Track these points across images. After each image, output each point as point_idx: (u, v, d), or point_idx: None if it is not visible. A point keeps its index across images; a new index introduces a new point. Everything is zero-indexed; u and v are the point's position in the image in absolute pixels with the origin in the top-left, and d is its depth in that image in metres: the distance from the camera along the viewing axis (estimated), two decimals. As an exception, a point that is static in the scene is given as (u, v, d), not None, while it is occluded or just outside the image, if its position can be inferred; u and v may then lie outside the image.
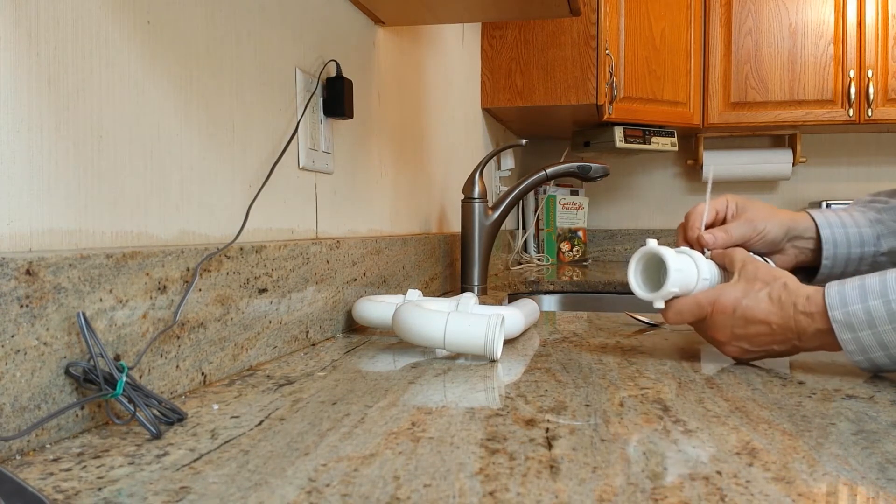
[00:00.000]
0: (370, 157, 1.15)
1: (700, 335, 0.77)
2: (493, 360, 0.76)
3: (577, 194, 2.65)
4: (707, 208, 0.84)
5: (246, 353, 0.71)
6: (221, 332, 0.66)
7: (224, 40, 0.72)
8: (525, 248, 2.58)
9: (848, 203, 2.55)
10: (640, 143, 2.36)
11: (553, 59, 2.06)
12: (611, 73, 2.14)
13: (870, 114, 2.39)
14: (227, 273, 0.67)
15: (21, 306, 0.44)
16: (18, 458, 0.44)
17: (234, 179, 0.74)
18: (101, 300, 0.51)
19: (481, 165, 1.44)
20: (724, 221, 0.87)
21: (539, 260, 2.51)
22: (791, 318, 0.68)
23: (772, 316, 0.69)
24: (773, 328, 0.69)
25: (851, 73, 2.39)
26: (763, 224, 0.84)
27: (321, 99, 0.95)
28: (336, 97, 0.96)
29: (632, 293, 0.76)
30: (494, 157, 2.15)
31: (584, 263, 2.55)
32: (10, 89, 0.47)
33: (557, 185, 2.59)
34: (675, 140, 2.45)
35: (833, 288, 0.66)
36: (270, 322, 0.75)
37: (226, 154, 0.73)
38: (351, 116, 0.98)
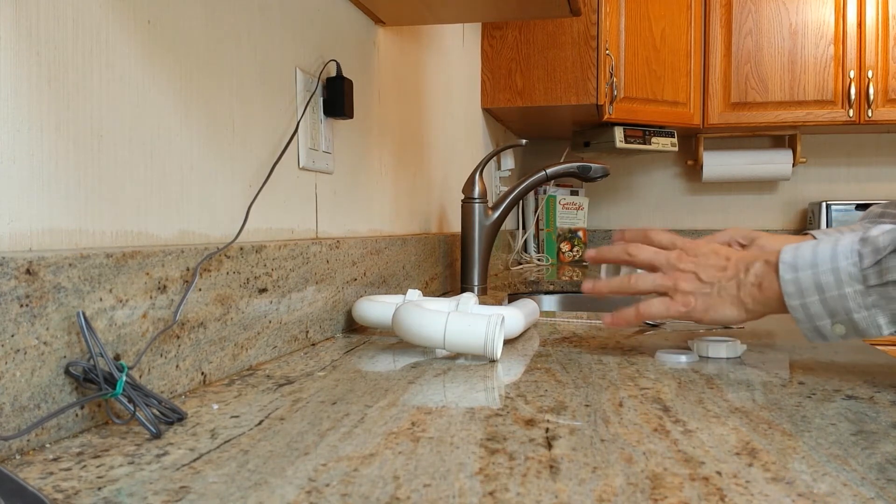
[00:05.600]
0: (370, 157, 1.15)
1: (656, 269, 0.76)
2: (493, 360, 0.76)
3: (577, 194, 2.65)
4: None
5: (246, 353, 0.71)
6: (221, 331, 0.66)
7: (224, 40, 0.72)
8: (525, 248, 2.58)
9: (848, 203, 2.55)
10: (640, 143, 2.37)
11: (553, 59, 2.06)
12: (611, 74, 2.14)
13: (870, 114, 2.39)
14: (227, 273, 0.67)
15: (21, 306, 0.44)
16: (18, 457, 0.44)
17: (234, 179, 0.74)
18: (101, 300, 0.51)
19: (481, 165, 1.44)
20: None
21: (539, 260, 2.51)
22: (747, 256, 0.71)
23: (733, 254, 0.72)
24: (728, 260, 0.71)
25: (851, 74, 2.39)
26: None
27: (321, 99, 0.95)
28: (336, 97, 0.96)
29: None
30: (494, 157, 2.15)
31: (584, 263, 2.55)
32: (11, 89, 0.47)
33: (557, 185, 2.59)
34: (675, 140, 2.45)
35: (790, 244, 0.68)
36: (270, 322, 0.75)
37: (226, 154, 0.73)
38: (351, 116, 0.98)
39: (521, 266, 2.33)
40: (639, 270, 0.83)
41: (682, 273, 0.73)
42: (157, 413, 0.51)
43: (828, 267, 0.63)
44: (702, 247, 0.74)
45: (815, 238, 0.93)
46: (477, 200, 1.43)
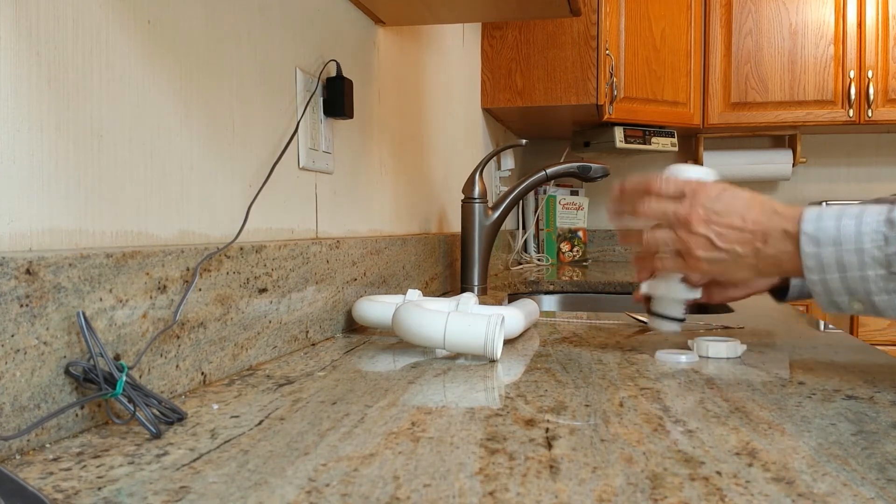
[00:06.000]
0: (370, 157, 1.15)
1: (665, 224, 0.72)
2: (493, 360, 0.76)
3: (577, 194, 2.65)
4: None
5: (246, 353, 0.71)
6: (221, 331, 0.66)
7: (224, 40, 0.72)
8: (525, 248, 2.58)
9: (848, 203, 2.55)
10: (640, 143, 2.37)
11: (553, 59, 2.06)
12: (611, 74, 2.14)
13: (870, 114, 2.39)
14: (227, 273, 0.67)
15: (21, 306, 0.44)
16: (18, 457, 0.44)
17: (234, 179, 0.74)
18: (101, 300, 0.51)
19: (481, 165, 1.44)
20: None
21: (539, 260, 2.51)
22: (766, 215, 0.67)
23: (750, 211, 0.68)
24: (745, 222, 0.67)
25: (851, 74, 2.39)
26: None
27: (321, 99, 0.95)
28: (336, 97, 0.96)
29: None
30: (494, 157, 2.15)
31: (584, 263, 2.55)
32: (11, 88, 0.47)
33: (557, 185, 2.59)
34: (675, 140, 2.45)
35: (813, 207, 0.66)
36: (270, 322, 0.75)
37: (226, 154, 0.73)
38: (351, 116, 0.98)
39: (521, 266, 2.33)
40: None
41: (696, 237, 0.69)
42: (157, 413, 0.51)
43: (851, 247, 0.62)
44: (713, 198, 0.69)
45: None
46: (477, 200, 1.43)
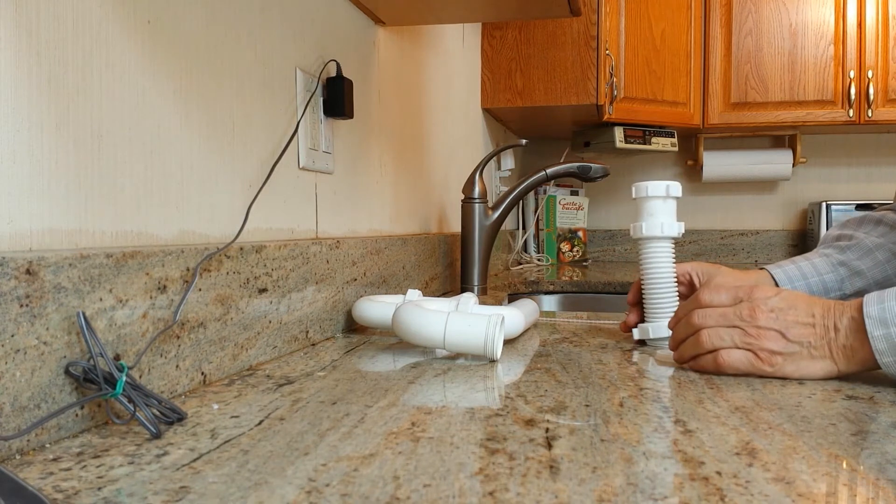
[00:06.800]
0: (370, 157, 1.15)
1: (726, 325, 0.70)
2: (493, 360, 0.76)
3: (577, 194, 2.65)
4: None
5: (246, 353, 0.71)
6: (221, 331, 0.66)
7: (224, 40, 0.72)
8: (525, 248, 2.58)
9: (848, 203, 2.55)
10: (640, 143, 2.36)
11: (553, 60, 2.06)
12: (611, 74, 2.14)
13: (870, 114, 2.39)
14: (227, 273, 0.67)
15: (21, 306, 0.44)
16: (18, 457, 0.44)
17: (234, 179, 0.74)
18: (101, 300, 0.51)
19: (481, 165, 1.44)
20: (692, 289, 0.95)
21: (539, 260, 2.51)
22: (829, 308, 0.66)
23: (814, 307, 0.66)
24: (813, 317, 0.66)
25: (851, 74, 2.39)
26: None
27: (321, 99, 0.95)
28: (336, 97, 0.96)
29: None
30: (494, 157, 2.15)
31: (584, 264, 2.55)
32: (11, 88, 0.47)
33: (557, 186, 2.59)
34: (675, 140, 2.45)
35: (872, 293, 0.65)
36: (270, 322, 0.75)
37: (226, 154, 0.73)
38: (351, 116, 0.98)
39: (521, 266, 2.33)
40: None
41: (765, 331, 0.67)
42: (157, 413, 0.51)
43: None
44: (772, 297, 0.68)
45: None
46: (477, 200, 1.43)
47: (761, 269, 1.01)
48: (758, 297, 0.68)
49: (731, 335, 0.69)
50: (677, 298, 0.86)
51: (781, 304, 0.67)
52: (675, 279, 0.87)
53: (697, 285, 0.95)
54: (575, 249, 2.61)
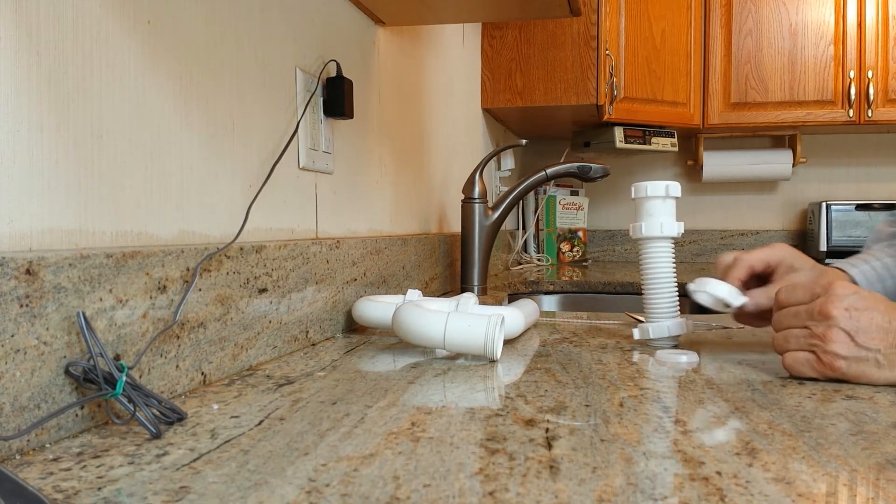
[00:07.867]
0: (370, 157, 1.15)
1: (799, 324, 0.67)
2: (493, 360, 0.76)
3: (577, 194, 2.65)
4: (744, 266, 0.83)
5: (246, 353, 0.71)
6: (221, 331, 0.66)
7: (224, 40, 0.72)
8: (525, 248, 2.58)
9: (848, 203, 2.55)
10: (640, 143, 2.36)
11: (553, 60, 2.06)
12: (611, 74, 2.14)
13: (870, 114, 2.39)
14: (227, 273, 0.67)
15: (21, 306, 0.44)
16: (18, 457, 0.44)
17: (234, 179, 0.74)
18: (101, 300, 0.51)
19: (481, 165, 1.44)
20: (771, 273, 0.84)
21: (539, 260, 2.51)
22: None
23: (892, 310, 0.63)
24: (891, 322, 0.62)
25: (851, 74, 2.39)
26: None
27: (321, 99, 0.95)
28: (336, 97, 0.96)
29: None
30: (494, 157, 2.15)
31: (584, 264, 2.55)
32: (11, 88, 0.47)
33: (557, 186, 2.59)
34: (675, 140, 2.45)
35: None
36: (270, 322, 0.75)
37: (226, 154, 0.73)
38: (351, 116, 0.98)
39: (521, 266, 2.33)
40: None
41: (835, 331, 0.64)
42: (157, 413, 0.51)
43: None
44: (851, 294, 0.64)
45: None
46: (477, 200, 1.43)
47: (837, 268, 0.92)
48: (835, 294, 0.65)
49: (797, 337, 0.66)
50: (677, 298, 0.86)
51: (859, 304, 0.64)
52: (676, 279, 0.87)
53: (779, 271, 0.85)
54: (575, 249, 2.61)
